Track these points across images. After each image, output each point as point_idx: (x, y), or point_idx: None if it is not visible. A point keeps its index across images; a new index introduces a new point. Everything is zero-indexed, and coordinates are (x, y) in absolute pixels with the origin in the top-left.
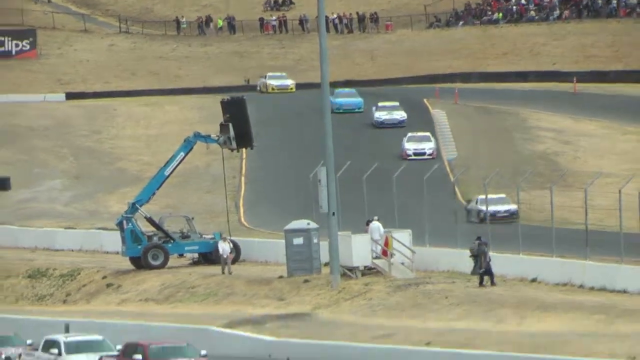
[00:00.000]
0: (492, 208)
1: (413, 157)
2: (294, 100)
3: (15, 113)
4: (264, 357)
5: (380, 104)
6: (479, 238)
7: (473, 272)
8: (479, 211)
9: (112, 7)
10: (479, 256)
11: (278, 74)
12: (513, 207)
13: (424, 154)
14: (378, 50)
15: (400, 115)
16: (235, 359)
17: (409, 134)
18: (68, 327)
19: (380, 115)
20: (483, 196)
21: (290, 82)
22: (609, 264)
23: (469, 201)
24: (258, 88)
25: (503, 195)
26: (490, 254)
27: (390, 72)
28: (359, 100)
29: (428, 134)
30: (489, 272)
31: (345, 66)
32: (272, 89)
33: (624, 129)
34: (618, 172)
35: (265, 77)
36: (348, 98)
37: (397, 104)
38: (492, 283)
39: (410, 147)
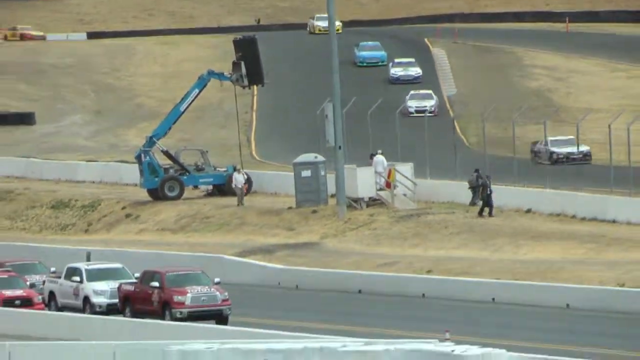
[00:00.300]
0: (565, 150)
1: (415, 114)
2: (310, 40)
3: (39, 51)
4: (274, 283)
5: (396, 60)
6: (477, 170)
7: (472, 203)
8: (551, 153)
9: None
10: (477, 188)
11: (325, 15)
12: (586, 148)
13: (425, 111)
14: None
15: (415, 71)
16: (246, 285)
17: (412, 92)
18: (89, 256)
19: (395, 71)
20: (552, 137)
21: (337, 24)
22: (599, 195)
23: (535, 142)
24: (308, 29)
25: (572, 137)
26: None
27: (393, 13)
28: (382, 53)
29: (430, 91)
30: (489, 204)
31: (350, 6)
32: (319, 30)
33: (613, 66)
34: (608, 108)
35: (314, 18)
36: (372, 51)
37: (412, 60)
38: (490, 214)
39: (412, 104)
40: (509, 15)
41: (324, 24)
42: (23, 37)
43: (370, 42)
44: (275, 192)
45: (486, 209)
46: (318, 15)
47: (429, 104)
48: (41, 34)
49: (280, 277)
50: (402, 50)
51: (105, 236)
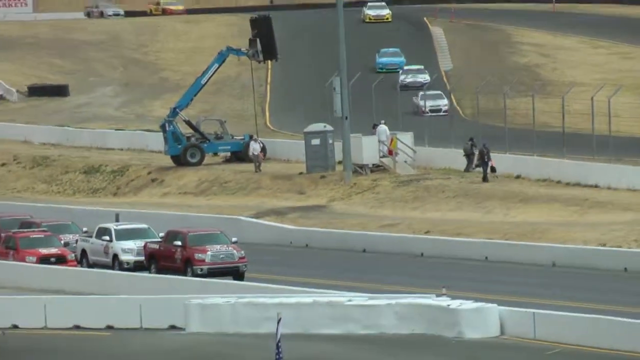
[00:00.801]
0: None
1: (430, 113)
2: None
3: (72, 29)
4: (286, 243)
5: (405, 67)
6: (471, 139)
7: (466, 170)
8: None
9: None
10: (471, 155)
11: (377, 3)
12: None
13: (440, 110)
14: None
15: (423, 78)
16: (261, 244)
17: (421, 93)
18: (118, 217)
19: (404, 78)
20: None
21: (385, 12)
22: (582, 162)
23: None
24: (362, 17)
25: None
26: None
27: None
28: (401, 59)
29: (440, 92)
30: (486, 168)
31: None
32: (370, 18)
33: (595, 43)
34: (590, 82)
35: (366, 5)
36: (392, 57)
37: (422, 67)
38: (485, 179)
39: (427, 104)
40: None
41: (374, 12)
42: (165, 12)
43: (390, 49)
44: (287, 159)
45: (488, 173)
46: (370, 4)
47: (442, 103)
48: (181, 7)
49: (292, 237)
50: (405, 28)
51: (132, 199)
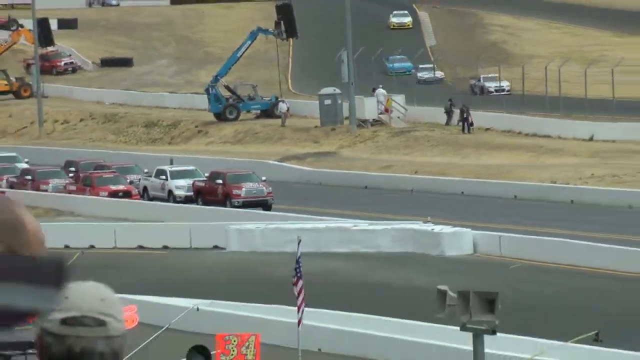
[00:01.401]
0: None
1: (495, 93)
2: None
3: (133, 13)
4: (304, 181)
5: (420, 65)
6: (450, 100)
7: (446, 124)
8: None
9: None
10: (451, 112)
11: (401, 12)
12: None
13: (503, 90)
14: None
15: (439, 74)
16: (284, 182)
17: (482, 76)
18: (172, 161)
19: (422, 74)
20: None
21: (407, 20)
22: (538, 117)
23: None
24: (388, 24)
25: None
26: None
27: None
28: (409, 64)
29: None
30: (467, 124)
31: None
32: (393, 25)
33: (551, 25)
34: (546, 55)
35: (392, 14)
36: (400, 63)
37: (432, 65)
38: (469, 131)
39: (492, 85)
40: None
41: (398, 20)
42: None
43: (398, 56)
44: (305, 116)
45: (466, 128)
46: (395, 12)
47: (505, 84)
48: None
49: (309, 177)
50: (395, 8)
51: (183, 147)
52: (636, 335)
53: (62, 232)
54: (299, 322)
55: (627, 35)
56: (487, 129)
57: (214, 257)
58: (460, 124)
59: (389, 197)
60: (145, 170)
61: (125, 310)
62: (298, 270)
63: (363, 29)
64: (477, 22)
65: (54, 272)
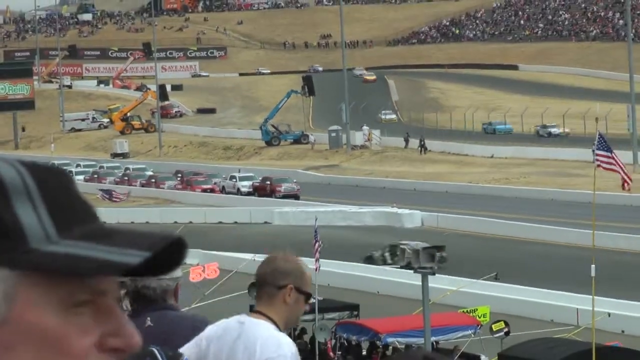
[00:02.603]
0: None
1: (547, 136)
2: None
3: (217, 81)
4: (320, 183)
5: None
6: (407, 133)
7: (405, 147)
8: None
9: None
10: (407, 140)
11: (367, 72)
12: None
13: (558, 135)
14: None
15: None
16: (307, 183)
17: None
18: (239, 170)
19: (388, 117)
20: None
21: (373, 77)
22: (459, 142)
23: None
24: (360, 78)
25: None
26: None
27: (380, 61)
28: (393, 116)
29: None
30: (424, 148)
31: (353, 56)
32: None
33: (466, 88)
34: (463, 106)
35: (357, 69)
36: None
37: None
38: (421, 152)
39: (544, 131)
40: (429, 66)
41: (369, 76)
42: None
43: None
44: (320, 143)
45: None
46: (362, 71)
47: (559, 130)
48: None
49: (322, 180)
50: (379, 81)
51: (246, 162)
52: (523, 277)
53: (174, 213)
54: (317, 268)
55: (512, 93)
56: (429, 150)
57: (265, 228)
58: (419, 147)
59: (370, 192)
60: (224, 176)
61: (210, 265)
62: (315, 236)
63: (354, 88)
64: (422, 86)
65: None
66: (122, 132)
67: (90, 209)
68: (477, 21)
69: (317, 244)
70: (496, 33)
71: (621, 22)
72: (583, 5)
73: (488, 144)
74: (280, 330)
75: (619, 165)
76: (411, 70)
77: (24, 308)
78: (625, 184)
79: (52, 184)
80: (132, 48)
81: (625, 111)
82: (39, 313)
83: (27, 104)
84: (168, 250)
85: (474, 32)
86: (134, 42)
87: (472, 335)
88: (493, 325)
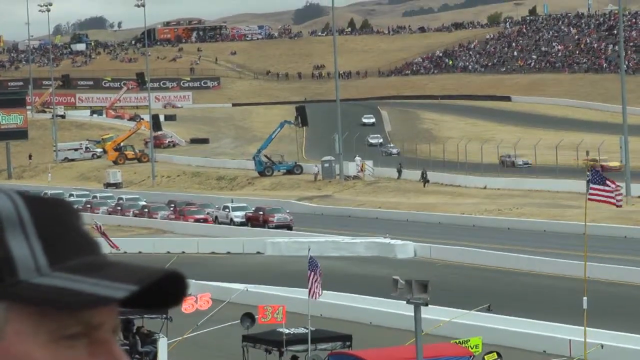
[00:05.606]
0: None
1: (522, 165)
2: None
3: (210, 111)
4: (313, 213)
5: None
6: (399, 163)
7: (398, 178)
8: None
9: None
10: (401, 171)
11: (369, 115)
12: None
13: (528, 164)
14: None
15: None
16: (299, 213)
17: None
18: (232, 200)
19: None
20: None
21: (372, 120)
22: (454, 174)
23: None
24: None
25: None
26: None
27: (370, 92)
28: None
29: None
30: (425, 179)
31: (347, 87)
32: (364, 123)
33: (459, 119)
34: (456, 136)
35: (364, 116)
36: (374, 139)
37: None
38: (425, 185)
39: (518, 160)
40: (421, 97)
41: (367, 120)
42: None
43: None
44: (313, 173)
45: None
46: (366, 116)
47: (526, 160)
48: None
49: (314, 210)
50: (367, 111)
51: (239, 192)
52: (515, 308)
53: (167, 243)
54: (310, 295)
55: (504, 124)
56: (426, 182)
57: (257, 259)
58: (421, 180)
59: (363, 222)
60: (217, 206)
61: (203, 296)
62: (309, 266)
63: (347, 121)
64: (416, 117)
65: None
66: (115, 162)
67: (89, 241)
68: (471, 52)
69: (312, 274)
70: (489, 64)
71: (615, 52)
72: (576, 37)
73: (481, 175)
74: None
75: (612, 191)
76: (404, 101)
77: (13, 339)
78: (617, 201)
79: (48, 215)
80: (126, 78)
81: (618, 142)
82: (28, 345)
83: (20, 134)
84: (165, 285)
85: (467, 63)
86: (127, 72)
87: None
88: (485, 357)
